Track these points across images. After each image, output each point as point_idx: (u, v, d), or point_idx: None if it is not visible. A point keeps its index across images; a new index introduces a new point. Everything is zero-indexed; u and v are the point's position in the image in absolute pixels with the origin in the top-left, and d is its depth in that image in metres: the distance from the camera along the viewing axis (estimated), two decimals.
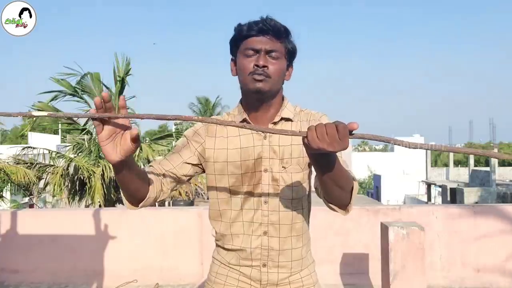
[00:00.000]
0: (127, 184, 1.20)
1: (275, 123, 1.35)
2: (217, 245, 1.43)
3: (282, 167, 1.32)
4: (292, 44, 1.34)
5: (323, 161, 1.06)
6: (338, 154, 1.15)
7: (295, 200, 1.34)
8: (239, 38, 1.32)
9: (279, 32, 1.30)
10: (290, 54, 1.35)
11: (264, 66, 1.27)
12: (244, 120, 1.35)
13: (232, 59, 1.39)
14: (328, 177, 1.10)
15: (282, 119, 1.36)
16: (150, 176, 1.29)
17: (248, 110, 1.36)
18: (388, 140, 0.97)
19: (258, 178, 1.32)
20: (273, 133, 1.09)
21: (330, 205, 1.23)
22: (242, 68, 1.30)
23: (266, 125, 1.35)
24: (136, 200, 1.27)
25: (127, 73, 8.84)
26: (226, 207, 1.35)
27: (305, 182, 1.36)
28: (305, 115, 1.40)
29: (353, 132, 0.95)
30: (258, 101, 1.33)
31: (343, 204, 1.21)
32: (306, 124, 1.36)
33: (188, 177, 1.39)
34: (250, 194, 1.33)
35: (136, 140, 1.06)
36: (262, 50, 1.28)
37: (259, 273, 1.34)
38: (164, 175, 1.33)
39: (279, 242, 1.33)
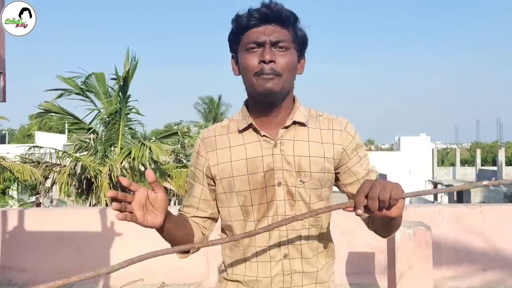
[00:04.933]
0: (174, 240, 1.15)
1: (286, 127, 1.15)
2: (224, 279, 1.20)
3: (300, 181, 1.12)
4: (302, 31, 1.14)
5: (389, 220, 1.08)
6: (366, 170, 1.29)
7: (315, 218, 1.16)
8: (239, 31, 1.11)
9: (285, 18, 1.09)
10: (301, 43, 1.14)
11: (271, 61, 1.07)
12: (250, 126, 1.16)
13: (232, 56, 1.18)
14: (392, 220, 1.11)
15: (294, 123, 1.16)
16: (191, 223, 1.22)
17: (254, 114, 1.16)
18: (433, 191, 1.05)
19: (272, 194, 1.12)
20: (322, 212, 1.04)
21: (377, 233, 1.25)
22: (246, 67, 1.10)
23: (276, 131, 1.15)
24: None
25: (132, 71, 8.84)
26: (240, 231, 1.15)
27: (324, 200, 1.17)
28: (325, 121, 1.19)
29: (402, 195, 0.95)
30: (268, 104, 1.14)
31: (389, 233, 1.24)
32: (327, 133, 1.17)
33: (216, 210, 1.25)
34: (264, 213, 1.13)
35: (157, 184, 0.99)
36: (266, 42, 1.08)
37: None
38: (197, 217, 1.23)
39: (302, 263, 1.14)
